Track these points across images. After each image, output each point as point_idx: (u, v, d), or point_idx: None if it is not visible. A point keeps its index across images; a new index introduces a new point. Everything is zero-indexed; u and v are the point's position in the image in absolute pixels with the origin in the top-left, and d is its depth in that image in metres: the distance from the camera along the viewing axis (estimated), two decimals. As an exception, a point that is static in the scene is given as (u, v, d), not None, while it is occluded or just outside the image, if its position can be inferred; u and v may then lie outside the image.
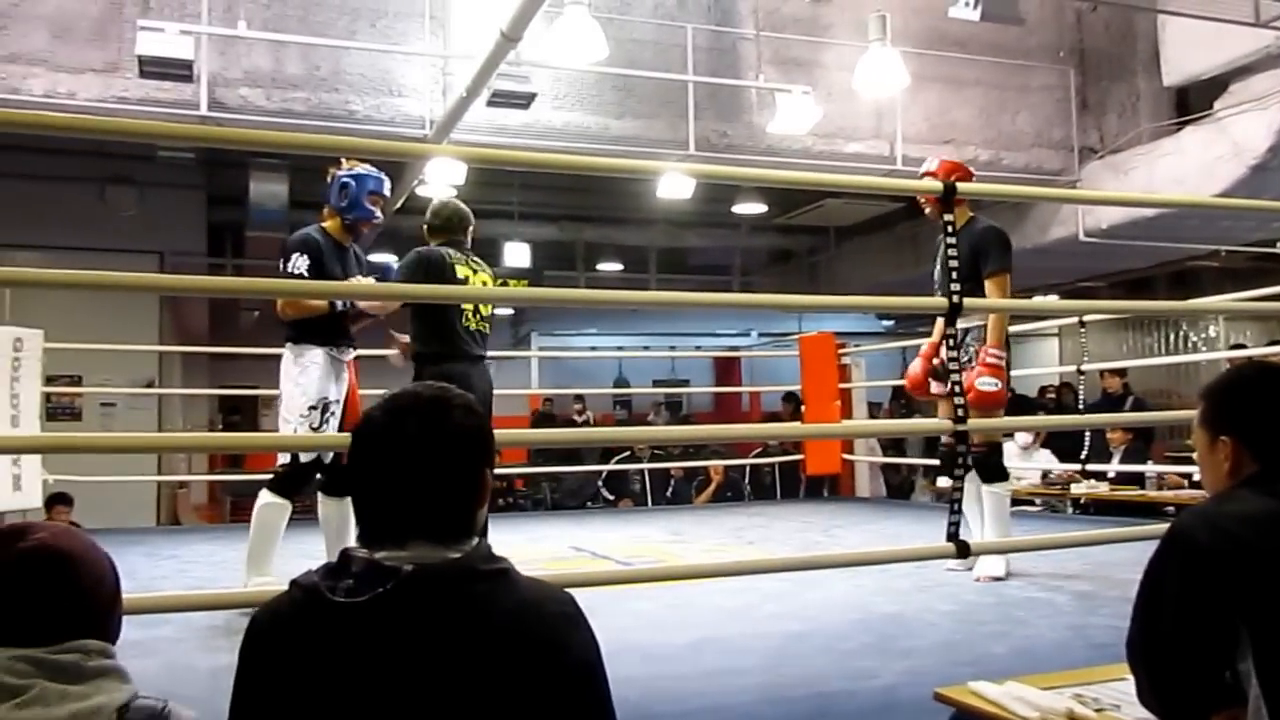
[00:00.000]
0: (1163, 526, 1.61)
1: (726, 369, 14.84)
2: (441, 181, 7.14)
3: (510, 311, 13.09)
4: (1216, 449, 1.60)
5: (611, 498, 8.94)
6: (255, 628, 1.22)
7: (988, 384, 3.82)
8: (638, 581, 3.93)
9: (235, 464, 11.54)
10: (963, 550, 3.30)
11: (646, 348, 13.60)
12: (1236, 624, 1.38)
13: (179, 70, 5.62)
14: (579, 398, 12.25)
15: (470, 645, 1.16)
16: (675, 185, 7.37)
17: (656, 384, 13.95)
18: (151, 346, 8.36)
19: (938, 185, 3.27)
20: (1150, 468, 6.71)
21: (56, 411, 8.53)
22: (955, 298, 3.16)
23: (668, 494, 8.85)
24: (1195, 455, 1.70)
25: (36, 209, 8.16)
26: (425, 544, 1.20)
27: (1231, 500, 1.52)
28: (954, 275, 3.22)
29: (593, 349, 13.92)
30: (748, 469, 9.01)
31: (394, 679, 1.13)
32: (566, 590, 1.28)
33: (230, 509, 9.56)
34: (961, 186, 3.33)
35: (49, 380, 6.39)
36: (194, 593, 3.94)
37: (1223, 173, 6.87)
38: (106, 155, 8.52)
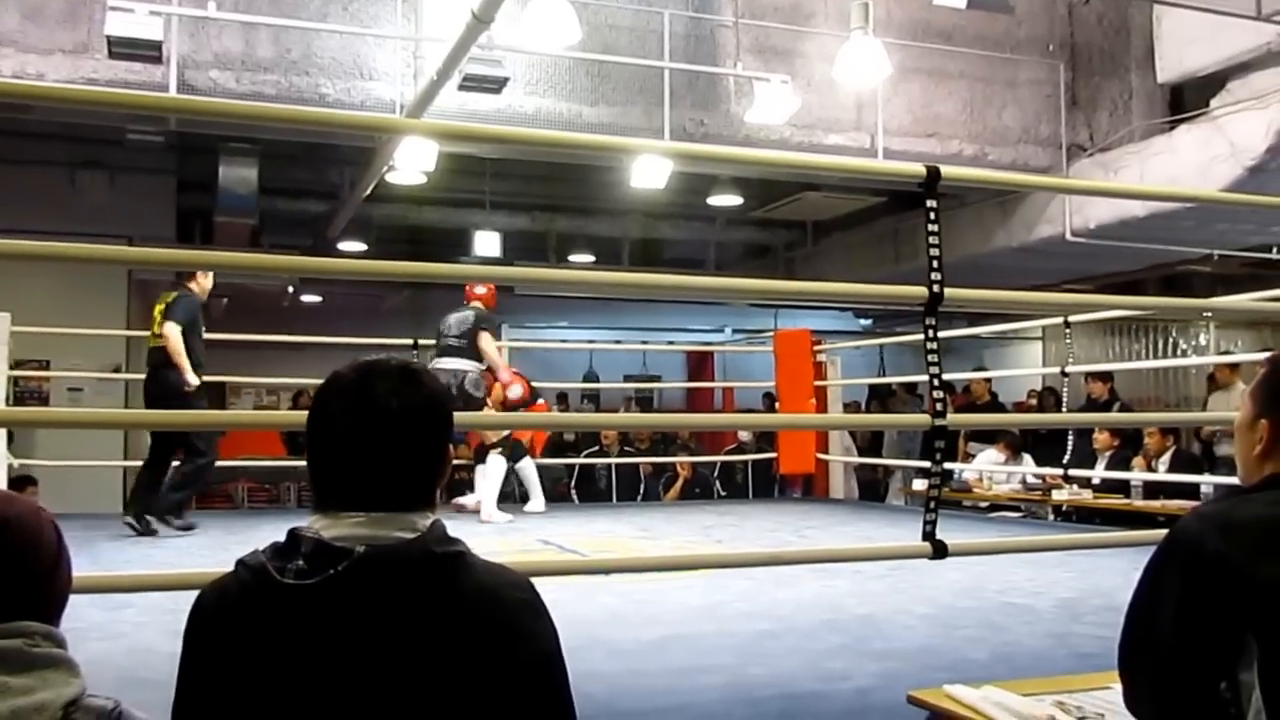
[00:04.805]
0: (1154, 534, 1.50)
1: (700, 365, 14.63)
2: (412, 167, 7.00)
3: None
4: (1255, 428, 1.49)
5: (575, 495, 8.76)
6: (200, 609, 1.18)
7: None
8: (605, 572, 3.86)
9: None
10: (940, 551, 3.20)
11: (618, 341, 13.41)
12: (1242, 634, 1.28)
13: (148, 51, 5.52)
14: (562, 396, 12.06)
15: (425, 631, 1.11)
16: (649, 174, 7.24)
17: (628, 379, 13.73)
18: (119, 331, 8.21)
19: (919, 169, 3.15)
20: (1136, 475, 6.52)
21: (24, 396, 8.40)
22: (935, 287, 3.06)
23: (638, 497, 8.67)
24: (1235, 422, 1.56)
25: (5, 193, 8.03)
26: (388, 513, 1.16)
27: (1246, 503, 1.42)
28: (935, 265, 3.12)
29: (563, 342, 13.71)
30: (718, 466, 8.91)
31: (345, 664, 1.10)
32: (525, 576, 1.24)
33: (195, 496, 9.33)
34: (946, 171, 3.22)
35: (16, 364, 6.37)
36: (157, 572, 3.86)
37: (1219, 173, 6.60)
38: (77, 140, 8.38)
